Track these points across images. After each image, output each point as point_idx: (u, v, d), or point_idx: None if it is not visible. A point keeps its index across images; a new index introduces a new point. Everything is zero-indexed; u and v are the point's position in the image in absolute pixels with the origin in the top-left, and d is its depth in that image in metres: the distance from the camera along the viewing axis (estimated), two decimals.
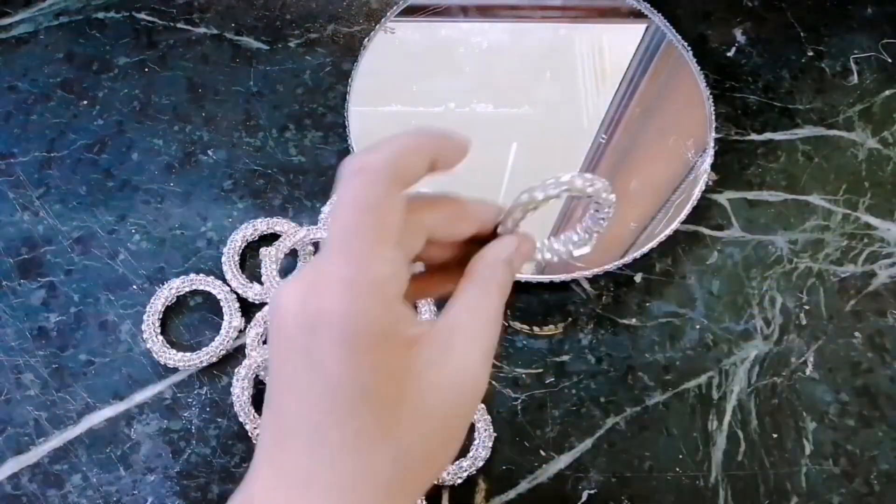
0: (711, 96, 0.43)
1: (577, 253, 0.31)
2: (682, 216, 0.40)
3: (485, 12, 0.48)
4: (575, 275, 0.39)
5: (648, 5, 0.46)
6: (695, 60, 0.44)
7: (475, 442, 0.36)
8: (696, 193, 0.41)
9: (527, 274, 0.39)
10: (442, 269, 0.29)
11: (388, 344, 0.23)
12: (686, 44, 0.45)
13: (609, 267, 0.39)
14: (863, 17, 0.48)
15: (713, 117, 0.43)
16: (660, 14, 0.46)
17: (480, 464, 0.35)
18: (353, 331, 0.22)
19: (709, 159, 0.42)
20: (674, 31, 0.45)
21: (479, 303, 0.26)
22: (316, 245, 0.40)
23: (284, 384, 0.23)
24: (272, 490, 0.23)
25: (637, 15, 0.46)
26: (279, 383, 0.24)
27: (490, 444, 0.36)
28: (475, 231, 0.28)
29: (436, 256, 0.28)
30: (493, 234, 0.29)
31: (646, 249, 0.39)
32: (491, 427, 0.36)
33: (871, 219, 0.43)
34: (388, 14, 0.45)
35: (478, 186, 0.40)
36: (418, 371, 0.24)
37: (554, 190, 0.28)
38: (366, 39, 0.45)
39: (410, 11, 0.46)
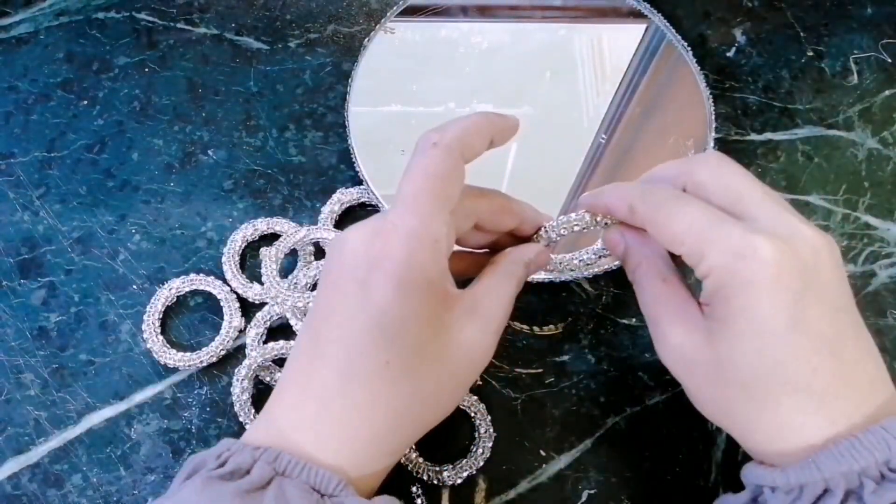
0: (711, 96, 0.43)
1: (585, 272, 0.35)
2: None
3: (485, 12, 0.48)
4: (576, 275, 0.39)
5: (648, 5, 0.46)
6: (695, 60, 0.44)
7: (475, 442, 0.36)
8: None
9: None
10: (471, 255, 0.33)
11: (433, 293, 0.26)
12: (686, 44, 0.45)
13: (609, 267, 0.39)
14: (863, 17, 0.48)
15: (713, 117, 0.43)
16: (659, 14, 0.46)
17: (480, 463, 0.35)
18: (408, 274, 0.26)
19: None
20: (673, 31, 0.45)
21: (500, 288, 0.30)
22: (316, 245, 0.40)
23: (331, 311, 0.27)
24: (293, 409, 0.27)
25: (637, 15, 0.46)
26: (326, 310, 0.27)
27: (490, 444, 0.36)
28: (514, 227, 0.32)
29: (472, 241, 0.32)
30: (526, 239, 0.33)
31: None
32: (491, 427, 0.36)
33: (870, 219, 0.43)
34: (389, 14, 0.45)
35: (478, 186, 0.40)
36: (448, 324, 0.27)
37: (575, 226, 0.32)
38: (366, 39, 0.45)
39: (410, 11, 0.46)
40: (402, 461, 0.35)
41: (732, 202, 0.27)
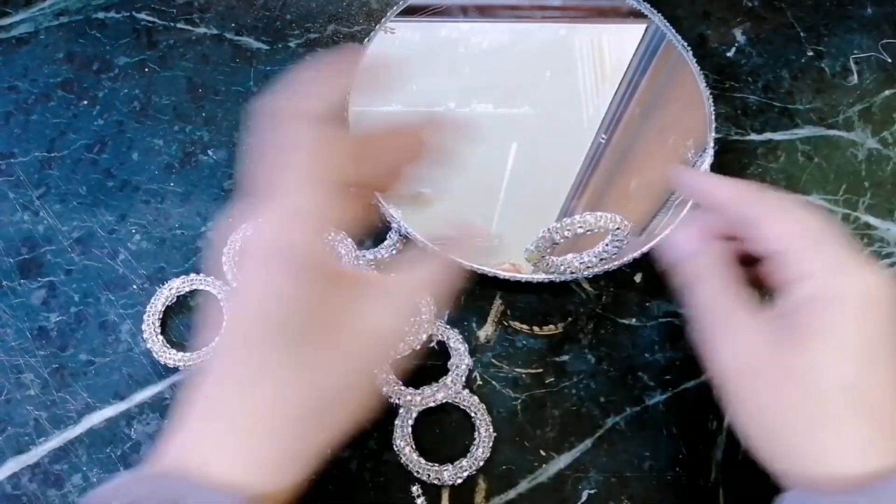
0: (711, 96, 0.43)
1: (584, 273, 0.35)
2: (682, 216, 0.40)
3: (484, 12, 0.48)
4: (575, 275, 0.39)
5: (648, 5, 0.46)
6: (694, 60, 0.44)
7: (475, 442, 0.36)
8: None
9: (528, 274, 0.39)
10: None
11: (311, 274, 0.24)
12: (686, 44, 0.45)
13: (609, 267, 0.39)
14: (863, 17, 0.48)
15: (713, 117, 0.43)
16: (659, 14, 0.46)
17: (480, 464, 0.35)
18: (276, 257, 0.24)
19: (709, 159, 0.42)
20: (673, 30, 0.45)
21: (413, 270, 0.28)
22: None
23: (229, 317, 0.26)
24: (189, 429, 0.24)
25: (637, 15, 0.46)
26: (227, 318, 0.26)
27: (490, 444, 0.36)
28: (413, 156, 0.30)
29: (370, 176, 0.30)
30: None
31: (646, 249, 0.39)
32: (491, 427, 0.36)
33: (870, 219, 0.43)
34: (389, 14, 0.45)
35: (478, 186, 0.40)
36: (339, 309, 0.25)
37: (578, 229, 0.31)
38: (366, 39, 0.45)
39: (410, 11, 0.46)
40: (402, 461, 0.35)
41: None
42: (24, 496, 0.35)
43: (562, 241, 0.32)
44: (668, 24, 0.45)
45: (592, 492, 0.36)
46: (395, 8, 0.45)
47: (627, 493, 0.36)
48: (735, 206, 0.29)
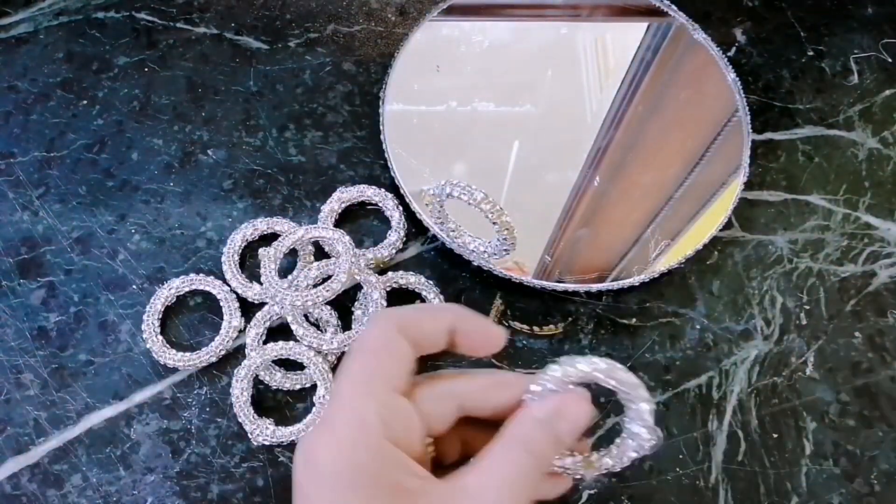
0: (743, 96, 0.43)
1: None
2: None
3: (486, 12, 0.47)
4: (578, 286, 0.39)
5: (669, 2, 0.46)
6: (726, 59, 0.44)
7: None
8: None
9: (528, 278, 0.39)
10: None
11: (379, 492, 0.22)
12: (712, 40, 0.45)
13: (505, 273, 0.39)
14: (863, 16, 0.48)
15: (748, 117, 0.43)
16: (682, 13, 0.46)
17: None
18: (337, 477, 0.22)
19: (745, 166, 0.42)
20: (699, 28, 0.45)
21: (502, 464, 0.23)
22: (316, 244, 0.40)
23: None
24: None
25: (652, 13, 0.46)
26: None
27: None
28: (512, 400, 0.26)
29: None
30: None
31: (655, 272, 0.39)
32: None
33: (871, 218, 0.43)
34: (433, 11, 0.45)
35: (480, 184, 0.40)
36: None
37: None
38: (404, 40, 0.44)
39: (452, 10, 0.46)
40: None
41: None
42: (24, 496, 0.35)
43: (451, 197, 0.33)
44: (691, 20, 0.45)
45: (592, 492, 0.36)
46: (440, 5, 0.45)
47: (627, 493, 0.36)
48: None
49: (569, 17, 0.48)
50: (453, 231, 0.38)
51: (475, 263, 0.39)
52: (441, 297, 0.38)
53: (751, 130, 0.43)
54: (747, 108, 0.43)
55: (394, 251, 0.40)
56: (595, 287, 0.39)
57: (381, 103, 0.42)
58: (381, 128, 0.42)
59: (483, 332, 0.26)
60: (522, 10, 0.48)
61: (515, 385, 0.26)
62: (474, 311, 0.26)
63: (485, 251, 0.37)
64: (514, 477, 0.23)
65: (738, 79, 0.44)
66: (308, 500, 0.22)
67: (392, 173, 0.41)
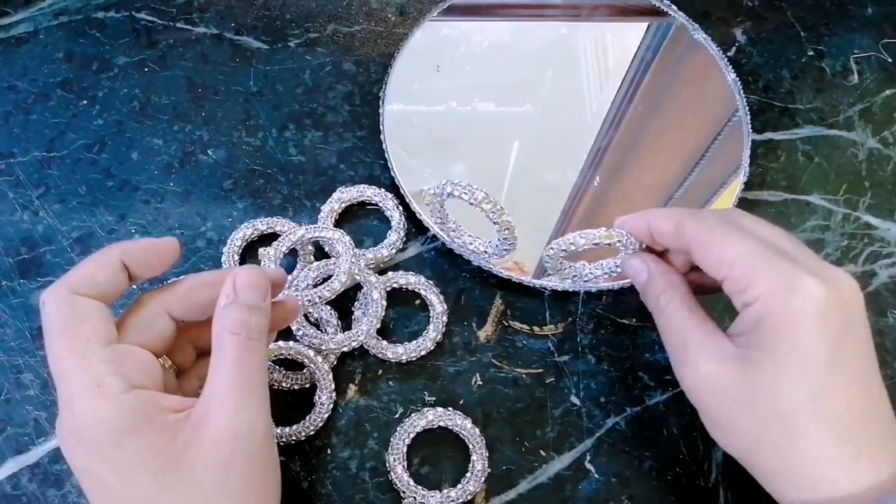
0: (743, 95, 0.43)
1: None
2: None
3: (486, 12, 0.47)
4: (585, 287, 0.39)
5: (669, 2, 0.46)
6: (726, 60, 0.44)
7: (467, 475, 0.35)
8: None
9: (530, 278, 0.39)
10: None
11: (143, 442, 0.24)
12: (713, 41, 0.45)
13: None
14: (863, 16, 0.48)
15: (747, 112, 0.43)
16: (682, 13, 0.46)
17: (469, 497, 0.35)
18: (100, 447, 0.24)
19: (746, 162, 0.42)
20: (699, 28, 0.45)
21: (224, 362, 0.26)
22: (316, 244, 0.40)
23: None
24: None
25: (652, 13, 0.46)
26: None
27: (483, 480, 0.35)
28: (215, 297, 0.28)
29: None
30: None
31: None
32: (486, 462, 0.35)
33: (871, 218, 0.43)
34: (434, 11, 0.45)
35: (480, 185, 0.40)
36: (177, 455, 0.25)
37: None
38: (404, 39, 0.44)
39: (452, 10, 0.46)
40: (391, 479, 0.35)
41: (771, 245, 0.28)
42: (24, 496, 0.35)
43: (452, 197, 0.34)
44: (691, 20, 0.45)
45: (592, 492, 0.36)
46: (440, 5, 0.45)
47: (627, 493, 0.36)
48: (679, 237, 0.30)
49: (569, 17, 0.48)
50: (454, 231, 0.38)
51: (475, 263, 0.39)
52: (441, 297, 0.39)
53: (751, 130, 0.43)
54: (747, 108, 0.43)
55: (394, 251, 0.40)
56: (595, 287, 0.39)
57: (381, 103, 0.43)
58: (381, 128, 0.42)
59: (150, 247, 0.28)
60: (522, 9, 0.48)
61: (214, 283, 0.28)
62: (134, 241, 0.28)
63: (485, 251, 0.37)
64: (239, 365, 0.26)
65: (738, 79, 0.44)
66: (86, 475, 0.25)
67: (392, 173, 0.41)
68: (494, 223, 0.34)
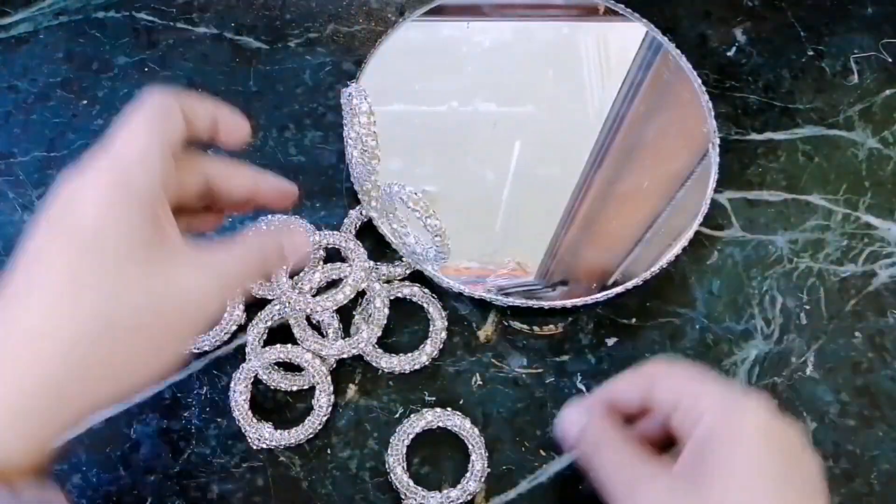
0: (708, 96, 0.43)
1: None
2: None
3: (486, 12, 0.47)
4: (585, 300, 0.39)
5: (637, 14, 0.45)
6: (690, 65, 0.44)
7: (467, 475, 0.35)
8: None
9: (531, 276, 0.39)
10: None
11: (142, 212, 0.25)
12: (675, 46, 0.44)
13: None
14: (863, 16, 0.48)
15: (712, 116, 0.43)
16: (644, 19, 0.45)
17: (469, 497, 0.35)
18: (111, 186, 0.25)
19: (715, 158, 0.42)
20: (660, 33, 0.45)
21: (242, 252, 0.28)
22: (326, 249, 0.40)
23: (32, 246, 0.25)
24: None
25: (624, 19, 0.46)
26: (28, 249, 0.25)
27: (482, 479, 0.35)
28: (247, 194, 0.31)
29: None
30: None
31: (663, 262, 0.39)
32: (486, 462, 0.35)
33: (871, 218, 0.43)
34: (415, 13, 0.45)
35: (481, 185, 0.40)
36: (163, 263, 0.25)
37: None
38: (378, 40, 0.44)
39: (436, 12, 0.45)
40: (391, 480, 0.35)
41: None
42: None
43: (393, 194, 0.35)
44: (653, 26, 0.45)
45: (593, 492, 0.36)
46: (422, 7, 0.45)
47: None
48: (630, 391, 0.30)
49: (569, 16, 0.47)
50: (402, 228, 0.37)
51: (416, 267, 0.39)
52: (443, 312, 0.38)
53: (716, 129, 0.42)
54: (711, 110, 0.43)
55: (407, 271, 0.39)
56: (593, 298, 0.38)
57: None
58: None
59: (232, 118, 0.31)
60: (523, 9, 0.48)
61: (251, 176, 0.32)
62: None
63: (422, 254, 0.37)
64: (243, 260, 0.28)
65: (698, 77, 0.44)
66: (69, 207, 0.25)
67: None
68: (426, 227, 0.34)
